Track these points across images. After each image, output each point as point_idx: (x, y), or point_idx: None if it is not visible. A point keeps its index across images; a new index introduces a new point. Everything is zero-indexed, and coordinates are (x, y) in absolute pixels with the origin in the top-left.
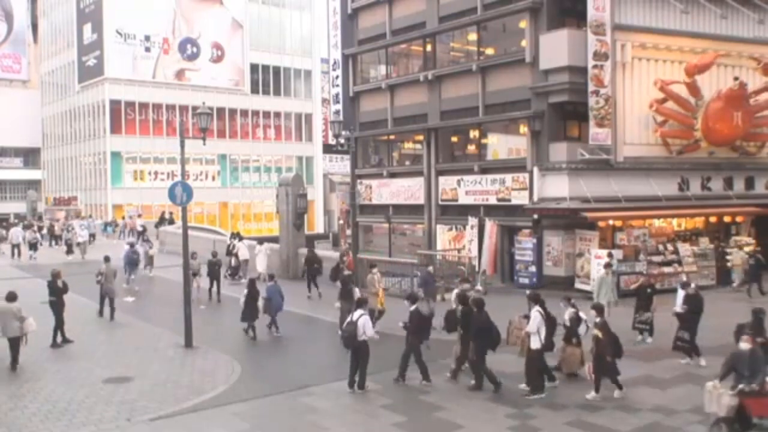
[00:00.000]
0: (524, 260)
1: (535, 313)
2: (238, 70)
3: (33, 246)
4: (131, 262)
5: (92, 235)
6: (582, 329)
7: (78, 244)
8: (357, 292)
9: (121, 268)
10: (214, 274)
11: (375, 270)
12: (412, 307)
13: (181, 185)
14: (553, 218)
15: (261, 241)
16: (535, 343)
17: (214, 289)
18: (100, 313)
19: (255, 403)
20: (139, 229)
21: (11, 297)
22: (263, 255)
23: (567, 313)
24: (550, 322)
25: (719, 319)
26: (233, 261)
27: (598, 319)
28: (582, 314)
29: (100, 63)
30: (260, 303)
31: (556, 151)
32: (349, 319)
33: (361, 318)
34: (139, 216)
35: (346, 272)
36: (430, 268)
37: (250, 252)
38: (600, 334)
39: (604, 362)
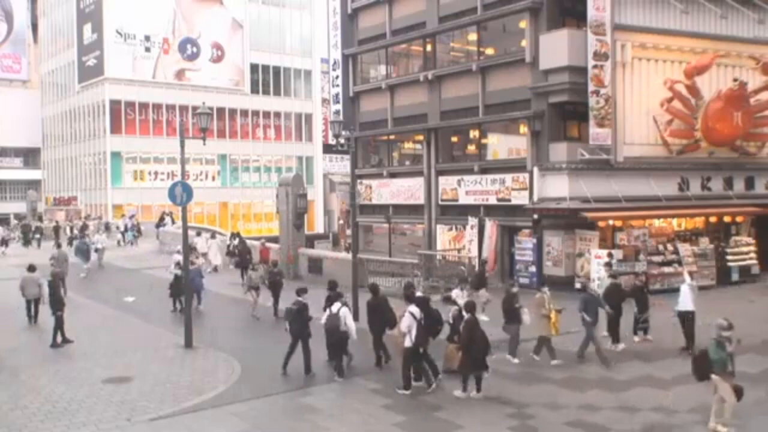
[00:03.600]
0: (524, 260)
1: (407, 313)
2: (238, 70)
3: (4, 242)
4: (82, 251)
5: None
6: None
7: (96, 250)
8: (526, 315)
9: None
10: (276, 288)
11: (545, 289)
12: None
13: (181, 185)
14: (553, 218)
15: (213, 234)
16: (407, 342)
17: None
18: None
19: (255, 403)
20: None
21: (32, 268)
22: (215, 247)
23: (451, 311)
24: (435, 320)
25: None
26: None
27: (466, 316)
28: (464, 312)
29: (100, 63)
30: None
31: (556, 151)
32: (327, 313)
33: (341, 309)
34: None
35: (507, 290)
36: (593, 286)
37: (208, 245)
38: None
39: (464, 359)
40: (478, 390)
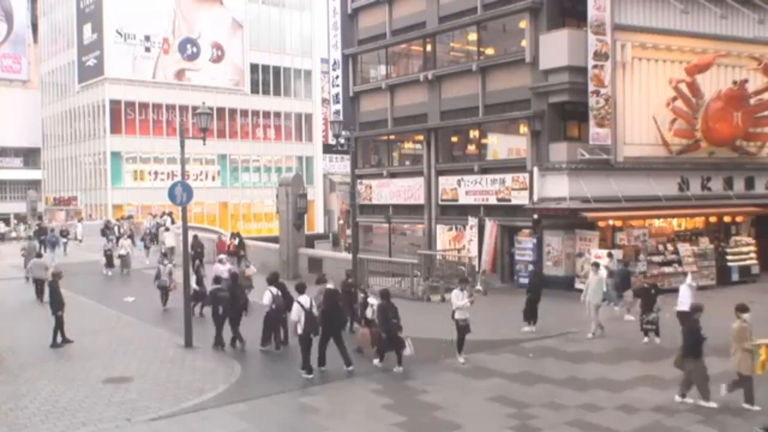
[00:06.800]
0: (524, 260)
1: (295, 303)
2: (238, 70)
3: None
4: (52, 243)
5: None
6: (369, 312)
7: (120, 256)
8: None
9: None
10: (348, 302)
11: (746, 315)
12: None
13: (181, 185)
14: (553, 218)
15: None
16: (298, 330)
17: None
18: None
19: (255, 403)
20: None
21: (39, 255)
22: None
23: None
24: (342, 313)
25: (719, 320)
26: (162, 248)
27: (378, 302)
28: (370, 299)
29: (100, 63)
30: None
31: (556, 151)
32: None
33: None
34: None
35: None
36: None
37: (177, 240)
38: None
39: (384, 339)
40: (399, 363)
